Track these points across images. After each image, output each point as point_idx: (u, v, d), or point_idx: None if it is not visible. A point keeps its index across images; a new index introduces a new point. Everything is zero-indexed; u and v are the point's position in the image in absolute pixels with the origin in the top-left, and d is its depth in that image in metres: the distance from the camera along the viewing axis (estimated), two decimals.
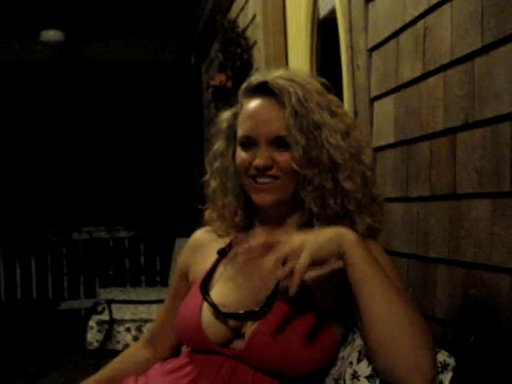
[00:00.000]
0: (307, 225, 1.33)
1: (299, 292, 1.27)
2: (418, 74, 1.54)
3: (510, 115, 1.20)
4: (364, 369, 1.16)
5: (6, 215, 5.99)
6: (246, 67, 3.33)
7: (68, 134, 6.29)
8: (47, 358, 4.66)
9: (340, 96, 2.10)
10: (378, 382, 1.13)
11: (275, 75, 1.32)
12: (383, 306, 1.05)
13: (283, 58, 2.92)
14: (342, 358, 1.25)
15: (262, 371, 1.25)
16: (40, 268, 6.12)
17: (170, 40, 6.19)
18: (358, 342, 1.22)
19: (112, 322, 3.52)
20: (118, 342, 3.55)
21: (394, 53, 1.66)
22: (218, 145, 1.44)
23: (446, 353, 1.14)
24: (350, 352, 1.23)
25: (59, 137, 6.27)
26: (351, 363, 1.20)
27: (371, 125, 1.79)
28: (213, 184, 1.45)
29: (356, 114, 1.87)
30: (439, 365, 1.11)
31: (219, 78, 3.58)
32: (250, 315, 1.28)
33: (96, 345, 3.54)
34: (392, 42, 1.67)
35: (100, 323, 3.55)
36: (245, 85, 1.38)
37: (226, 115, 1.44)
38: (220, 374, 1.27)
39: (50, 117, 6.24)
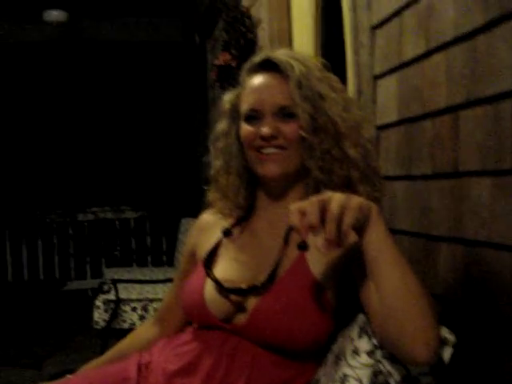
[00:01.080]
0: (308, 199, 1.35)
1: (299, 266, 1.29)
2: (420, 52, 1.53)
3: (511, 93, 1.20)
4: (364, 344, 1.17)
5: (12, 197, 6.02)
6: (251, 46, 3.32)
7: (72, 115, 6.28)
8: (54, 339, 4.70)
9: (344, 75, 2.11)
10: (378, 356, 1.15)
11: (277, 52, 1.38)
12: (399, 278, 1.07)
13: (287, 37, 2.92)
14: (343, 334, 1.27)
15: (264, 346, 1.28)
16: (46, 249, 6.15)
17: (174, 19, 6.16)
18: (360, 319, 1.23)
19: (118, 301, 3.56)
20: (125, 321, 3.59)
21: (397, 31, 1.64)
22: (222, 125, 1.47)
23: (446, 329, 1.15)
24: (351, 328, 1.24)
25: (64, 118, 6.26)
26: (352, 339, 1.21)
27: (374, 103, 1.78)
28: (216, 164, 1.48)
29: (359, 92, 1.87)
30: None
31: (223, 57, 3.56)
32: (251, 290, 1.30)
33: (102, 324, 3.58)
34: (395, 20, 1.66)
35: (106, 303, 3.59)
36: (247, 65, 1.42)
37: (228, 96, 1.47)
38: (223, 350, 1.30)
39: (53, 98, 6.23)
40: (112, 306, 3.57)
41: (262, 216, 1.44)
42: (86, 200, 6.29)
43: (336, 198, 1.02)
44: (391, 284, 1.06)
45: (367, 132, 1.37)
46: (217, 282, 1.33)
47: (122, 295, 3.62)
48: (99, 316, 3.59)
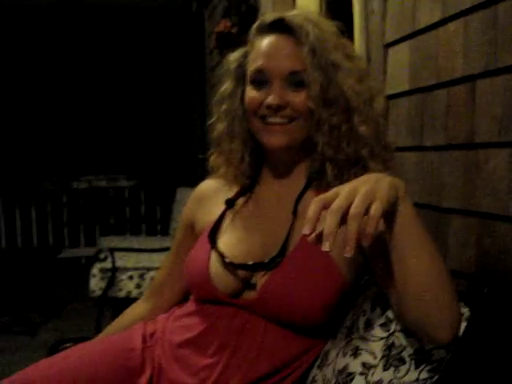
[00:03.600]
0: (316, 173, 1.31)
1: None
2: (436, 19, 1.49)
3: None
4: (378, 317, 1.16)
5: (6, 164, 5.96)
6: (252, 12, 3.25)
7: (67, 81, 6.20)
8: (48, 306, 4.70)
9: (351, 41, 2.05)
10: (391, 329, 1.13)
11: (291, 13, 1.28)
12: (427, 258, 1.00)
13: (290, 3, 2.84)
14: (355, 306, 1.25)
15: (275, 321, 1.25)
16: (40, 216, 6.13)
17: None
18: (372, 290, 1.22)
19: (115, 269, 3.54)
20: (121, 290, 3.58)
21: None
22: (226, 86, 1.38)
23: (460, 303, 1.14)
24: (364, 300, 1.22)
25: (58, 84, 6.18)
26: (364, 311, 1.19)
27: (385, 72, 1.75)
28: (220, 127, 1.40)
29: (369, 60, 1.83)
30: None
31: (224, 24, 3.50)
32: (260, 266, 1.27)
33: (99, 292, 3.56)
34: None
35: (103, 271, 3.57)
36: (257, 23, 1.32)
37: (234, 55, 1.38)
38: (233, 326, 1.27)
39: (48, 64, 6.14)
40: (108, 274, 3.55)
41: (267, 187, 1.38)
42: (81, 168, 6.25)
43: (362, 191, 0.91)
44: (420, 269, 1.00)
45: (379, 105, 1.30)
46: (222, 257, 1.29)
47: (119, 264, 3.60)
48: (95, 284, 3.57)
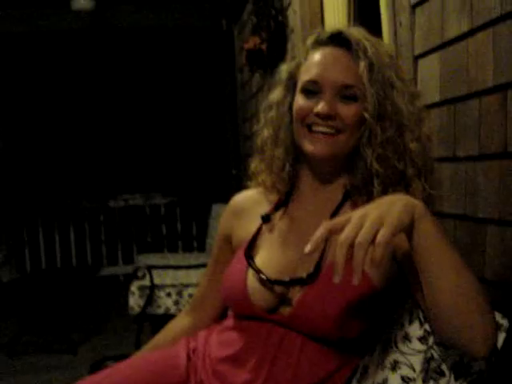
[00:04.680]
0: (354, 189, 1.31)
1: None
2: (465, 29, 1.49)
3: None
4: (416, 330, 1.15)
5: (44, 184, 6.08)
6: (281, 29, 3.27)
7: (103, 102, 6.31)
8: (89, 324, 4.76)
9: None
10: (430, 342, 1.12)
11: (348, 29, 1.30)
12: (453, 276, 1.00)
13: (319, 19, 2.86)
14: (392, 319, 1.24)
15: (311, 337, 1.26)
16: (78, 236, 6.22)
17: (201, 4, 6.10)
18: (409, 304, 1.21)
19: (153, 287, 3.57)
20: (159, 307, 3.60)
21: (439, 8, 1.60)
22: (276, 94, 1.41)
23: (499, 314, 1.13)
24: (401, 314, 1.22)
25: (94, 105, 6.29)
26: (402, 325, 1.19)
27: (415, 84, 1.75)
28: (264, 134, 1.42)
29: None
30: None
31: (253, 41, 3.52)
32: (296, 282, 1.27)
33: (138, 310, 3.59)
34: None
35: (141, 288, 3.60)
36: (313, 37, 1.34)
37: (287, 65, 1.41)
38: (270, 342, 1.28)
39: (83, 86, 6.26)
40: (147, 291, 3.58)
41: (303, 201, 1.39)
42: (117, 187, 6.33)
43: (371, 218, 0.94)
44: (444, 285, 1.00)
45: (427, 128, 1.31)
46: (260, 273, 1.30)
47: (157, 281, 3.63)
48: (134, 302, 3.60)
